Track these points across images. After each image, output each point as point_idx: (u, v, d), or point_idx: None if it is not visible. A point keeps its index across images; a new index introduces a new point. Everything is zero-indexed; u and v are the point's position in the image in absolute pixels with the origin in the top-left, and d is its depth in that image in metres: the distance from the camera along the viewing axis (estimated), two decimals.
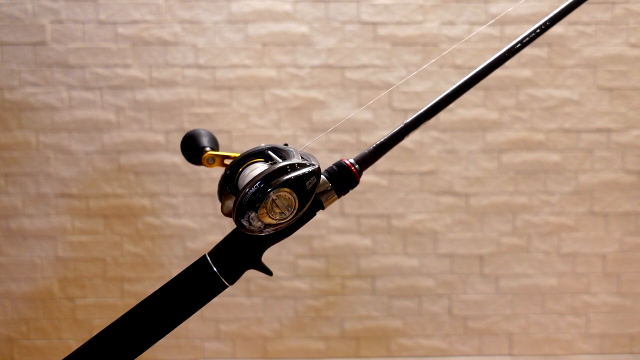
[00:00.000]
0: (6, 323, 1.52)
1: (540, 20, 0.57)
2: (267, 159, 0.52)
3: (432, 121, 1.51)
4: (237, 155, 0.56)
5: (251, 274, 1.53)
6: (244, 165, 0.51)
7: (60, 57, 1.48)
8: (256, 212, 0.46)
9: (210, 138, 0.60)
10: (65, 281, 1.52)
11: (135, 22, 1.48)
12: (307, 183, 0.48)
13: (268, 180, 0.46)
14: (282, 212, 0.47)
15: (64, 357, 0.52)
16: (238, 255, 0.51)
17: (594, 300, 1.56)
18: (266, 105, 1.50)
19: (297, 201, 0.47)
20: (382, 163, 1.52)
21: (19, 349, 1.53)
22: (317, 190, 0.51)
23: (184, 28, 1.49)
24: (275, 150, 0.52)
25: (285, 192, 0.46)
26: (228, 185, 0.51)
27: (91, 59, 1.49)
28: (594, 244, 1.55)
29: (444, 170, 1.53)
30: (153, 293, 0.50)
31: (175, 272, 1.51)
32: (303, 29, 1.49)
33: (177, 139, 1.51)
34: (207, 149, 0.58)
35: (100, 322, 1.53)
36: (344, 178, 0.53)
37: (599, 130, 1.53)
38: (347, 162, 0.54)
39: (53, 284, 1.52)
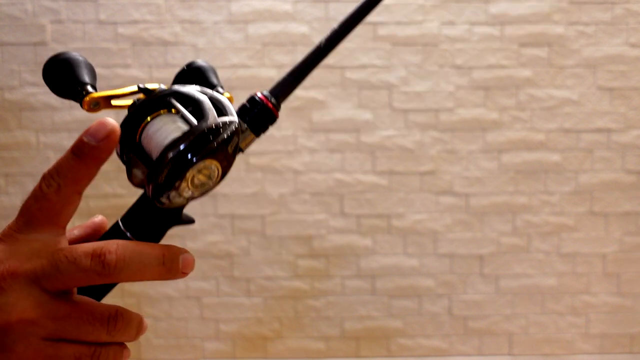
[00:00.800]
0: None
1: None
2: (170, 107, 0.43)
3: (433, 121, 1.51)
4: (125, 92, 0.46)
5: (251, 274, 1.53)
6: (146, 121, 0.43)
7: None
8: (177, 190, 0.40)
9: (88, 69, 0.47)
10: None
11: (135, 22, 1.48)
12: (230, 146, 0.41)
13: (186, 153, 0.39)
14: (205, 183, 0.41)
15: None
16: (153, 217, 0.45)
17: (594, 300, 1.56)
18: None
19: (220, 169, 0.41)
20: (382, 163, 1.52)
21: None
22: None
23: (184, 28, 1.49)
24: (180, 96, 0.43)
25: (206, 164, 0.40)
26: (127, 147, 0.43)
27: (91, 59, 1.48)
28: (594, 244, 1.55)
29: (444, 170, 1.53)
30: None
31: None
32: (303, 29, 1.49)
33: None
34: (89, 87, 0.45)
35: None
36: (260, 115, 0.46)
37: (599, 130, 1.53)
38: (260, 95, 0.45)
39: None
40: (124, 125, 0.43)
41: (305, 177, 1.50)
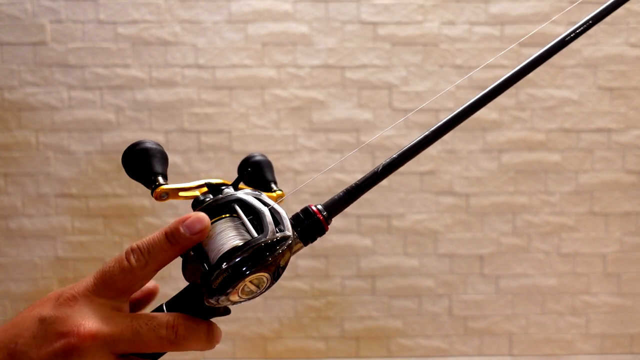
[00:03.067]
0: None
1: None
2: (232, 212, 0.46)
3: (432, 121, 1.51)
4: (193, 185, 0.50)
5: None
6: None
7: (60, 57, 1.48)
8: (227, 296, 0.43)
9: (160, 158, 0.52)
10: (65, 281, 1.52)
11: (135, 22, 1.48)
12: (282, 260, 0.44)
13: (242, 265, 0.42)
14: (253, 292, 0.44)
15: None
16: (195, 310, 0.48)
17: (594, 300, 1.56)
18: (266, 105, 1.50)
19: (270, 280, 0.44)
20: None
21: None
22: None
23: (184, 28, 1.49)
24: (243, 204, 0.46)
25: (260, 275, 0.43)
26: None
27: (91, 59, 1.49)
28: (594, 244, 1.55)
29: (444, 170, 1.53)
30: None
31: (175, 272, 1.51)
32: (303, 29, 1.49)
33: (177, 139, 1.51)
34: (160, 179, 0.50)
35: None
36: (310, 226, 0.48)
37: (599, 130, 1.53)
38: (314, 208, 0.48)
39: (53, 284, 1.52)
40: None
41: (305, 177, 1.50)
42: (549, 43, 0.52)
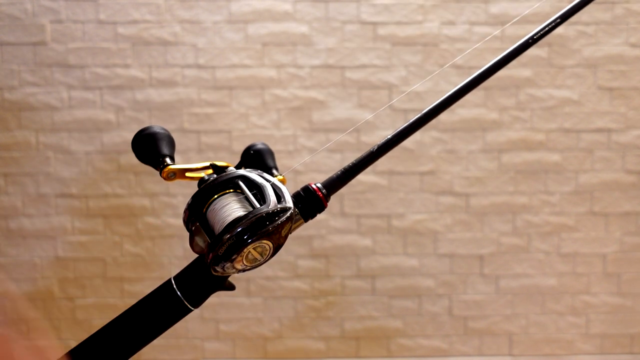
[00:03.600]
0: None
1: (537, 19, 0.56)
2: (236, 188, 0.49)
3: (433, 121, 1.51)
4: (198, 167, 0.54)
5: (251, 274, 1.53)
6: (214, 197, 0.49)
7: (60, 57, 1.48)
8: (232, 262, 0.46)
9: (168, 142, 0.55)
10: (65, 281, 1.52)
11: (135, 22, 1.48)
12: (283, 230, 0.47)
13: (246, 233, 0.45)
14: (257, 259, 0.47)
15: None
16: (203, 281, 0.50)
17: (594, 300, 1.56)
18: (266, 105, 1.50)
19: (272, 248, 0.47)
20: (382, 163, 1.52)
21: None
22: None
23: (184, 28, 1.49)
24: (246, 180, 0.49)
25: (260, 244, 0.46)
26: (194, 216, 0.49)
27: (91, 59, 1.49)
28: (594, 244, 1.55)
29: (444, 170, 1.53)
30: (120, 315, 0.50)
31: (175, 272, 1.51)
32: (303, 29, 1.49)
33: (178, 139, 1.50)
34: (167, 160, 0.53)
35: (100, 322, 1.53)
36: (311, 203, 0.51)
37: (599, 130, 1.53)
38: (314, 186, 0.51)
39: (53, 284, 1.52)
40: (194, 197, 0.49)
41: (305, 177, 1.50)
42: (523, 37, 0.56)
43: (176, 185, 1.50)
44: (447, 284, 1.55)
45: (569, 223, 1.54)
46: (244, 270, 0.47)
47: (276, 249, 0.47)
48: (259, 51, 1.49)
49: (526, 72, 1.52)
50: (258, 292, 1.54)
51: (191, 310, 0.51)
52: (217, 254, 0.45)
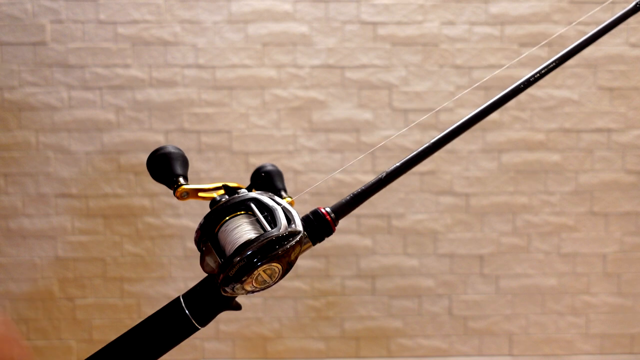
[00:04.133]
0: None
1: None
2: (248, 210, 0.50)
3: (433, 121, 1.52)
4: (212, 186, 0.55)
5: None
6: (225, 219, 0.49)
7: (60, 57, 1.48)
8: (242, 283, 0.47)
9: (182, 162, 0.57)
10: (65, 281, 1.52)
11: (135, 22, 1.48)
12: (293, 253, 0.47)
13: (256, 255, 0.46)
14: (266, 281, 0.48)
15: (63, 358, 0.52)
16: (211, 301, 0.51)
17: (594, 300, 1.56)
18: (266, 105, 1.50)
19: (281, 271, 0.48)
20: (382, 163, 1.52)
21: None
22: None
23: (184, 28, 1.49)
24: (258, 202, 0.50)
25: (270, 266, 0.47)
26: (206, 236, 0.50)
27: (91, 59, 1.49)
28: (594, 244, 1.55)
29: (444, 170, 1.53)
30: (127, 331, 0.50)
31: (175, 272, 1.51)
32: (303, 29, 1.49)
33: (177, 138, 1.51)
34: (181, 179, 0.54)
35: (100, 322, 1.53)
36: (319, 227, 0.52)
37: (599, 130, 1.53)
38: (323, 211, 0.52)
39: (53, 284, 1.52)
40: (207, 218, 0.50)
41: (305, 177, 1.50)
42: (514, 84, 0.58)
43: None
44: (447, 284, 1.55)
45: (569, 223, 1.54)
46: (253, 292, 0.48)
47: (285, 271, 0.48)
48: (259, 51, 1.49)
49: (526, 72, 1.51)
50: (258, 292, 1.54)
51: (198, 329, 0.51)
52: (228, 275, 0.46)
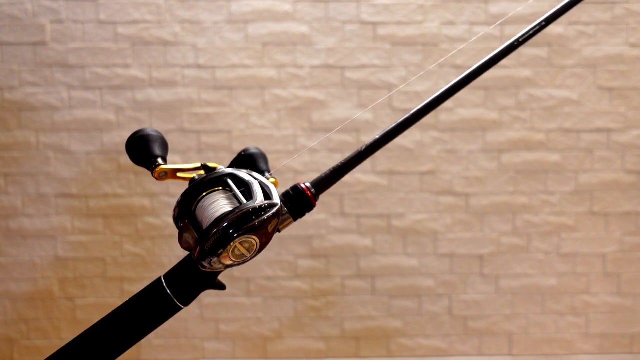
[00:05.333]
0: (6, 323, 1.52)
1: (537, 19, 0.56)
2: (225, 186, 0.50)
3: (433, 121, 1.52)
4: (189, 167, 0.55)
5: (251, 273, 1.53)
6: (202, 195, 0.49)
7: (60, 57, 1.48)
8: (218, 257, 0.46)
9: (160, 143, 0.56)
10: (65, 281, 1.52)
11: (135, 22, 1.48)
12: (270, 226, 0.47)
13: (231, 227, 0.45)
14: (243, 255, 0.47)
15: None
16: (192, 279, 0.50)
17: (594, 300, 1.56)
18: (266, 105, 1.50)
19: (259, 244, 0.47)
20: (382, 163, 1.52)
21: (19, 349, 1.53)
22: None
23: (184, 28, 1.49)
24: (235, 178, 0.50)
25: (247, 239, 0.46)
26: (184, 213, 0.49)
27: (91, 59, 1.49)
28: (594, 244, 1.55)
29: (444, 170, 1.53)
30: (108, 314, 0.50)
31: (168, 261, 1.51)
32: (303, 29, 1.49)
33: (177, 139, 1.51)
34: (159, 160, 0.55)
35: None
36: (299, 202, 0.52)
37: (599, 130, 1.53)
38: (302, 186, 0.52)
39: (53, 284, 1.52)
40: (184, 195, 0.49)
41: (305, 177, 1.50)
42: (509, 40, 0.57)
43: (176, 185, 1.50)
44: (447, 284, 1.55)
45: (569, 223, 1.54)
46: (231, 266, 0.47)
47: (263, 244, 0.48)
48: (259, 51, 1.49)
49: (526, 72, 1.52)
50: (258, 292, 1.54)
51: (181, 309, 0.51)
52: (204, 248, 0.45)
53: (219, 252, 0.46)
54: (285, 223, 0.52)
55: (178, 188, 1.50)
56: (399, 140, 1.50)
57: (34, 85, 1.48)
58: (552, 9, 0.57)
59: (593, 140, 1.53)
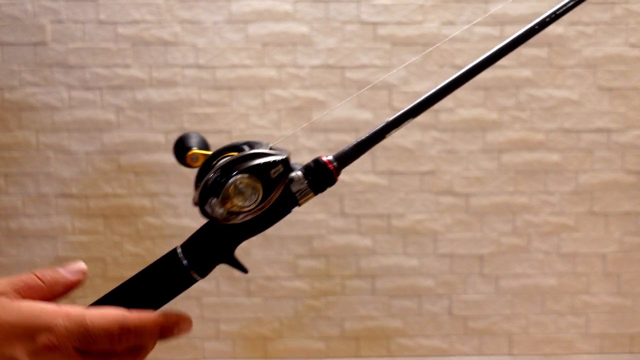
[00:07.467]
0: None
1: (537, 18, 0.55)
2: (240, 151, 0.50)
3: (432, 121, 1.52)
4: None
5: (251, 274, 1.53)
6: (218, 159, 0.49)
7: (60, 57, 1.48)
8: (217, 197, 0.45)
9: (199, 140, 0.57)
10: None
11: (135, 22, 1.48)
12: (272, 171, 0.46)
13: (230, 166, 0.46)
14: (245, 200, 0.46)
15: None
16: (209, 248, 0.50)
17: (594, 300, 1.56)
18: (266, 105, 1.50)
19: (261, 189, 0.46)
20: (382, 163, 1.52)
21: None
22: (294, 188, 0.49)
23: (184, 28, 1.49)
24: (250, 144, 0.50)
25: (248, 179, 0.46)
26: (200, 180, 0.50)
27: (91, 59, 1.49)
28: (594, 244, 1.55)
29: (444, 170, 1.53)
30: (121, 284, 0.50)
31: None
32: (303, 29, 1.49)
33: None
34: (194, 148, 0.56)
35: None
36: (321, 176, 0.50)
37: (599, 130, 1.53)
38: (325, 159, 0.51)
39: None
40: (203, 164, 0.50)
41: None
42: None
43: (176, 185, 1.51)
44: (447, 284, 1.55)
45: (569, 223, 1.54)
46: (238, 215, 0.46)
47: (266, 194, 0.46)
48: (259, 51, 1.49)
49: (526, 72, 1.52)
50: (258, 292, 1.54)
51: (196, 281, 0.50)
52: (205, 186, 0.46)
53: (218, 190, 0.45)
54: (306, 197, 0.50)
55: (178, 188, 1.50)
56: (398, 140, 1.50)
57: (34, 85, 1.48)
58: (550, 8, 0.56)
59: (593, 140, 1.53)
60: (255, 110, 1.50)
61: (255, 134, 1.51)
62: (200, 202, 0.46)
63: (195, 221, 1.50)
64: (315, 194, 0.50)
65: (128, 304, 0.47)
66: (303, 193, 0.49)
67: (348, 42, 1.50)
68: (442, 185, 1.53)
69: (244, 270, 0.52)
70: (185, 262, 0.49)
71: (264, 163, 0.46)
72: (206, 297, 1.53)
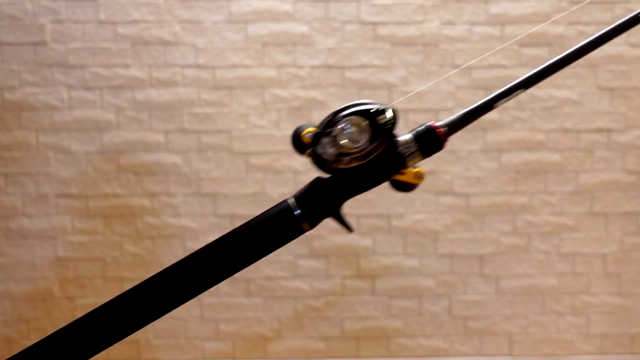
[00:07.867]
0: (6, 323, 1.52)
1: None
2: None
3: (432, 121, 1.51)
4: None
5: (251, 274, 1.53)
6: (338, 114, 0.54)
7: (60, 57, 1.48)
8: (328, 136, 0.50)
9: (308, 125, 0.61)
10: (65, 281, 1.52)
11: (135, 22, 1.48)
12: (379, 117, 0.50)
13: (342, 110, 0.50)
14: (356, 142, 0.49)
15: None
16: (319, 199, 0.53)
17: (594, 300, 1.56)
18: (266, 105, 1.50)
19: (368, 131, 0.49)
20: None
21: (19, 349, 1.53)
22: (402, 149, 0.51)
23: (184, 28, 1.49)
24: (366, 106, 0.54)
25: (357, 119, 0.49)
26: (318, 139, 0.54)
27: (91, 59, 1.49)
28: (594, 244, 1.55)
29: (444, 170, 1.53)
30: (233, 230, 0.50)
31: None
32: (303, 29, 1.49)
33: (177, 139, 1.51)
34: (305, 129, 0.58)
35: None
36: (429, 140, 0.53)
37: (599, 130, 1.53)
38: (435, 124, 0.52)
39: (53, 284, 1.52)
40: (320, 127, 0.53)
41: (305, 177, 1.50)
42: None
43: (176, 185, 1.50)
44: (447, 284, 1.55)
45: (569, 223, 1.54)
46: (347, 156, 0.49)
47: (372, 139, 0.49)
48: (259, 51, 1.49)
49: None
50: (258, 292, 1.54)
51: (304, 232, 0.53)
52: (320, 130, 0.50)
53: (329, 130, 0.50)
54: (414, 159, 0.53)
55: (178, 188, 1.50)
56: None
57: (34, 85, 1.48)
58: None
59: (593, 140, 1.53)
60: (255, 110, 1.50)
61: (255, 134, 1.51)
62: (313, 144, 0.51)
63: (194, 221, 1.50)
64: (423, 157, 0.52)
65: (237, 251, 0.49)
66: (410, 154, 0.52)
67: (348, 42, 1.50)
68: (442, 185, 1.53)
69: (349, 229, 0.54)
70: (297, 211, 0.51)
71: (372, 108, 0.50)
72: (206, 297, 1.53)
